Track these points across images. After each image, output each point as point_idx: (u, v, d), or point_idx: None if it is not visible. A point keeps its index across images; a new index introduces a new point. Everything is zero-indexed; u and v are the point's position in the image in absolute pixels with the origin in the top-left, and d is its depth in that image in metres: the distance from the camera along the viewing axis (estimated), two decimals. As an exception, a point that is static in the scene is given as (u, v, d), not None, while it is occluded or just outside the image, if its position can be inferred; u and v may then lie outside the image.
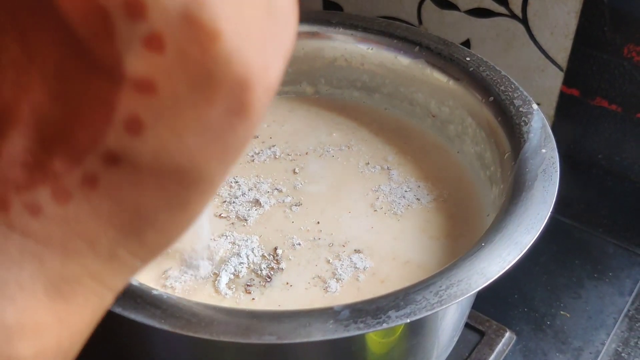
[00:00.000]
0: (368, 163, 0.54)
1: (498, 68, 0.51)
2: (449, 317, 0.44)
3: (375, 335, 0.42)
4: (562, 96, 0.70)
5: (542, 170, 0.42)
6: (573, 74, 0.68)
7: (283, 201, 0.51)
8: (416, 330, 0.43)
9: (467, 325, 0.56)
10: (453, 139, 0.55)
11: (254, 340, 0.33)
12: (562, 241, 0.64)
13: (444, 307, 0.34)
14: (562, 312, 0.58)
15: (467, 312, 0.49)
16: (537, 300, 0.59)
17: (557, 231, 0.65)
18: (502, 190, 0.44)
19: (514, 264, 0.37)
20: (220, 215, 0.50)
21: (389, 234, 0.48)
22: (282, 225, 0.48)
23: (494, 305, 0.58)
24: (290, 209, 0.50)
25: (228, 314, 0.35)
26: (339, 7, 0.75)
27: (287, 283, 0.44)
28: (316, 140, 0.57)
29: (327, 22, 0.57)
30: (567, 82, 0.69)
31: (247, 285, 0.44)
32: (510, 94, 0.48)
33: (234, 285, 0.44)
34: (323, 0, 0.76)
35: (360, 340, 0.41)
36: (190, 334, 0.33)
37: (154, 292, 0.36)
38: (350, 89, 0.61)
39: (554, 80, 0.69)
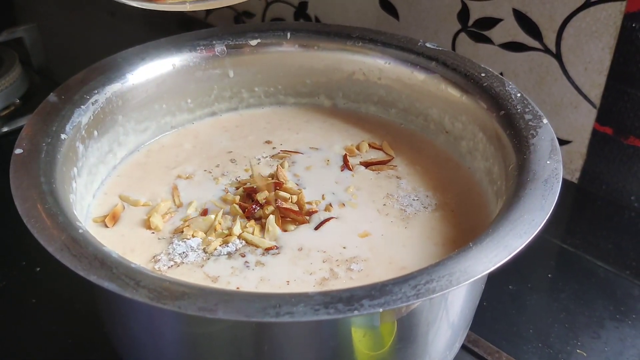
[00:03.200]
0: (378, 172, 0.54)
1: (512, 84, 0.50)
2: (441, 331, 0.42)
3: (365, 348, 0.41)
4: (595, 134, 0.68)
5: (544, 181, 0.41)
6: (606, 111, 0.66)
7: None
8: (405, 342, 0.41)
9: (475, 355, 0.54)
10: (464, 155, 0.54)
11: (220, 315, 0.32)
12: (585, 280, 0.62)
13: (420, 300, 0.33)
14: (578, 351, 0.55)
15: (462, 333, 0.47)
16: (553, 336, 0.56)
17: (580, 269, 0.63)
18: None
19: (500, 266, 0.36)
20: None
21: (392, 238, 0.47)
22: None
23: (506, 338, 0.56)
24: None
25: (200, 290, 0.34)
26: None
27: (277, 275, 0.44)
28: (328, 149, 0.57)
29: (347, 36, 0.58)
30: (600, 119, 0.67)
31: (238, 271, 0.44)
32: (521, 108, 0.48)
33: (223, 271, 0.44)
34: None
35: (348, 352, 0.40)
36: (159, 305, 0.33)
37: (132, 265, 0.36)
38: (367, 103, 0.61)
39: (586, 118, 0.68)
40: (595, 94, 0.66)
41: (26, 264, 0.61)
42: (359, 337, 0.40)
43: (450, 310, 0.42)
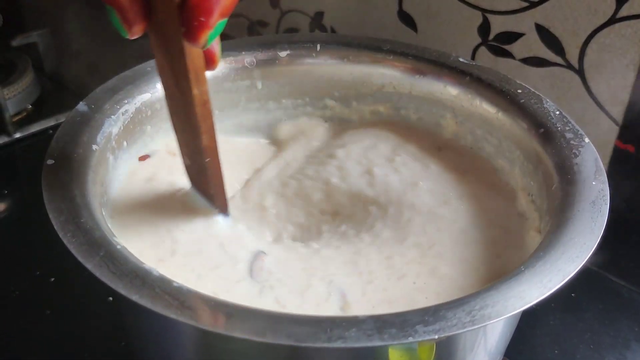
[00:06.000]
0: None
1: (550, 102, 0.50)
2: (478, 357, 0.41)
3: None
4: (616, 152, 0.67)
5: (591, 202, 0.40)
6: (629, 128, 0.66)
7: None
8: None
9: (501, 376, 0.53)
10: (500, 173, 0.54)
11: (269, 339, 0.31)
12: (610, 299, 0.61)
13: (476, 327, 0.32)
14: (605, 373, 0.54)
15: (499, 359, 0.46)
16: (579, 357, 0.56)
17: (604, 289, 0.62)
18: (548, 221, 0.42)
19: (554, 292, 0.35)
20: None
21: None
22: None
23: (532, 358, 0.55)
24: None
25: (247, 312, 0.33)
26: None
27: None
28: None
29: (378, 49, 0.57)
30: (622, 137, 0.66)
31: None
32: (561, 126, 0.47)
33: None
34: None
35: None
36: (206, 327, 0.32)
37: (175, 284, 0.35)
38: (397, 117, 0.60)
39: (608, 135, 0.67)
40: (618, 111, 0.66)
41: (40, 274, 0.60)
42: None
43: (489, 336, 0.41)
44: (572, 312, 0.60)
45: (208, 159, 0.41)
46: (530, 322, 0.58)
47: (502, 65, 0.72)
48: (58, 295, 0.58)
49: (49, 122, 0.78)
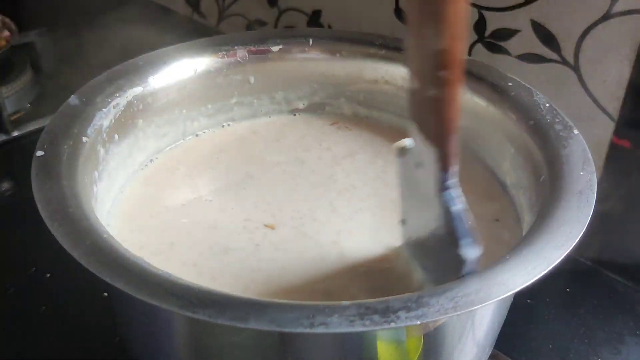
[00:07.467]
0: None
1: (539, 94, 0.50)
2: (467, 348, 0.41)
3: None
4: (612, 147, 0.67)
5: (578, 192, 0.40)
6: (624, 124, 0.65)
7: None
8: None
9: (494, 371, 0.53)
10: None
11: (252, 325, 0.31)
12: (604, 294, 0.61)
13: (458, 313, 0.32)
14: (599, 367, 0.54)
15: (487, 350, 0.46)
16: (573, 352, 0.55)
17: (599, 284, 0.62)
18: (536, 212, 0.42)
19: (539, 279, 0.35)
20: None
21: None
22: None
23: (525, 353, 0.55)
24: None
25: (231, 299, 0.33)
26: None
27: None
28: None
29: (370, 43, 0.57)
30: (618, 132, 0.66)
31: None
32: (550, 118, 0.47)
33: None
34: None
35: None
36: (189, 314, 0.32)
37: (160, 272, 0.35)
38: (389, 112, 0.60)
39: (604, 131, 0.67)
40: (614, 107, 0.66)
41: (36, 269, 0.60)
42: (385, 353, 0.39)
43: (477, 326, 0.41)
44: (567, 307, 0.60)
45: (444, 73, 0.32)
46: (524, 317, 0.58)
47: (498, 62, 0.72)
48: (54, 291, 0.59)
49: (47, 121, 0.77)
